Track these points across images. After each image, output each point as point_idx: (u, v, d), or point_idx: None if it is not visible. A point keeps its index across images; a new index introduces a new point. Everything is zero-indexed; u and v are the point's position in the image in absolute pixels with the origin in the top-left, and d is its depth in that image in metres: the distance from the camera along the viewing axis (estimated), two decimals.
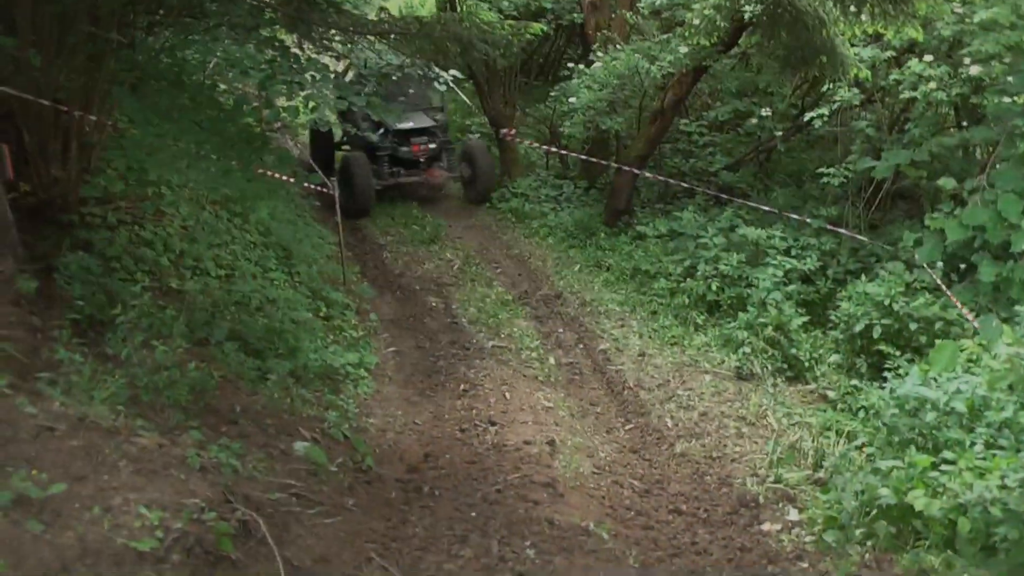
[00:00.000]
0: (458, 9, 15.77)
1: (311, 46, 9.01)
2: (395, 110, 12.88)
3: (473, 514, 6.34)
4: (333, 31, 8.93)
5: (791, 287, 11.26)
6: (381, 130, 15.46)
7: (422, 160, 16.13)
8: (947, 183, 10.35)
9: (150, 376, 5.39)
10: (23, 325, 5.93)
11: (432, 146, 16.13)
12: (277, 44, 8.95)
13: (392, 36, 9.33)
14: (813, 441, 8.24)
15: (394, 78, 12.00)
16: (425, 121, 16.22)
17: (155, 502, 4.15)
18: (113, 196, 8.52)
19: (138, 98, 9.50)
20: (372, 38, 9.30)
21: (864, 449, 7.75)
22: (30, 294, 6.28)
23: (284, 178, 10.84)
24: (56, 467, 4.17)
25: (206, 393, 6.08)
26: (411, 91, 15.93)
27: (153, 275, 8.07)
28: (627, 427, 8.95)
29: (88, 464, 4.34)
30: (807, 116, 12.53)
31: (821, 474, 7.66)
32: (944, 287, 9.63)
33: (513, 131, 16.76)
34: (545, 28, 14.99)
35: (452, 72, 12.48)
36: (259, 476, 5.30)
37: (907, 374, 7.99)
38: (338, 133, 16.36)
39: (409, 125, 15.80)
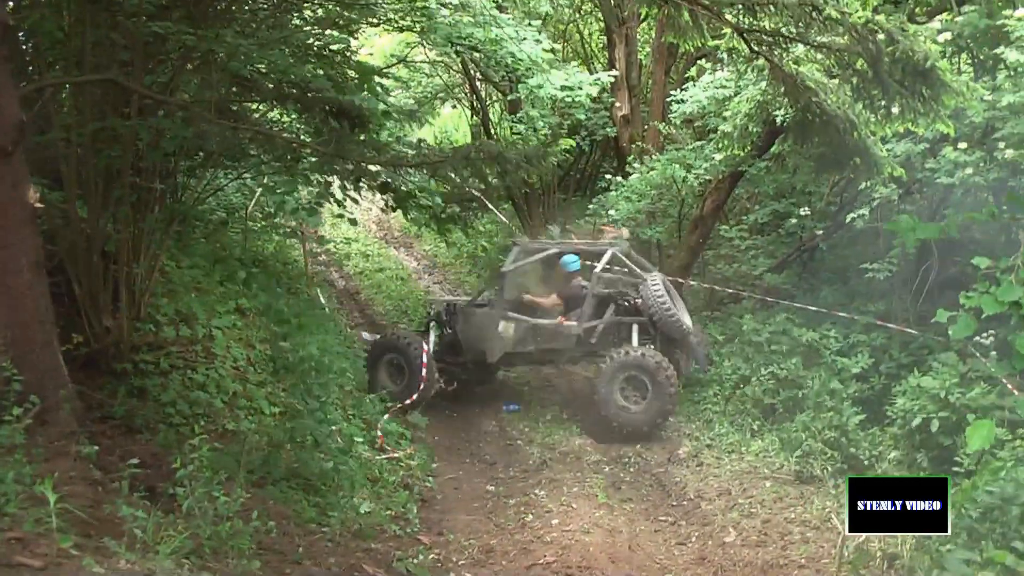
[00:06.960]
0: (492, 135, 16.04)
1: (349, 183, 9.22)
2: None
3: None
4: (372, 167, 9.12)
5: (848, 387, 11.08)
6: None
7: None
8: (981, 261, 10.28)
9: (212, 528, 5.38)
10: (84, 480, 5.91)
11: None
12: (318, 180, 9.19)
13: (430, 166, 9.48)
14: (881, 541, 8.02)
15: None
16: None
17: None
18: (164, 342, 8.65)
19: (184, 242, 9.71)
20: (411, 170, 9.48)
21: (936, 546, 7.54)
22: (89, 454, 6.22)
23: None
24: None
25: (268, 537, 6.07)
26: None
27: (208, 418, 8.16)
28: (691, 540, 8.75)
29: None
30: (848, 217, 12.43)
31: (894, 575, 7.44)
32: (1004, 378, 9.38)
33: None
34: (576, 142, 15.18)
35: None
36: None
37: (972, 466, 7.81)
38: None
39: None
